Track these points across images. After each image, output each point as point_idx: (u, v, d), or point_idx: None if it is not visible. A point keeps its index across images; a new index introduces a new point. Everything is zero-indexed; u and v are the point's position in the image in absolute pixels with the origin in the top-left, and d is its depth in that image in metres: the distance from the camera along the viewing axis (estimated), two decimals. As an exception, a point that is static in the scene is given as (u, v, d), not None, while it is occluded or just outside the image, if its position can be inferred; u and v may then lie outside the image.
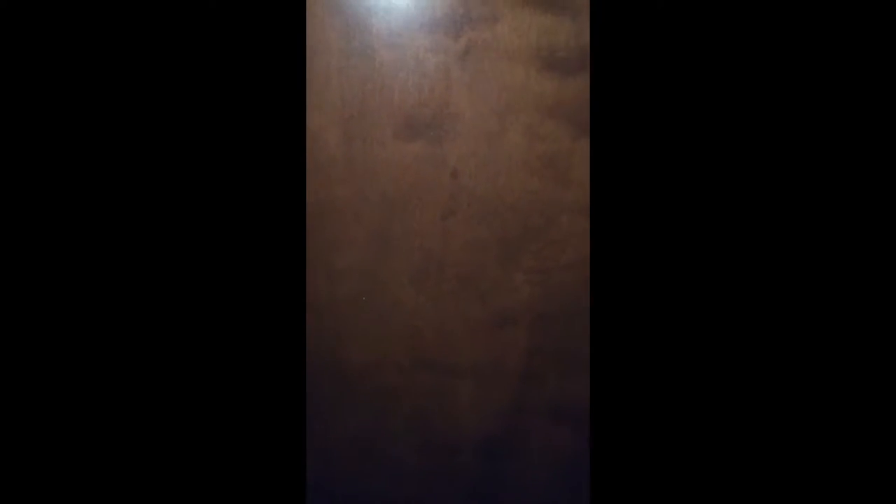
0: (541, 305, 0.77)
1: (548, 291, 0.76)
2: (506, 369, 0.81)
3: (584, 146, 0.70)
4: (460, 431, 0.84)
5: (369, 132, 0.71)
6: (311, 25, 0.66)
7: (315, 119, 0.70)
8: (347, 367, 0.81)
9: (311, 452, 0.84)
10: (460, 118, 0.69)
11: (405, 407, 0.83)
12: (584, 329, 0.77)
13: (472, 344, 0.80)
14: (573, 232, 0.73)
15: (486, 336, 0.79)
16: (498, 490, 0.86)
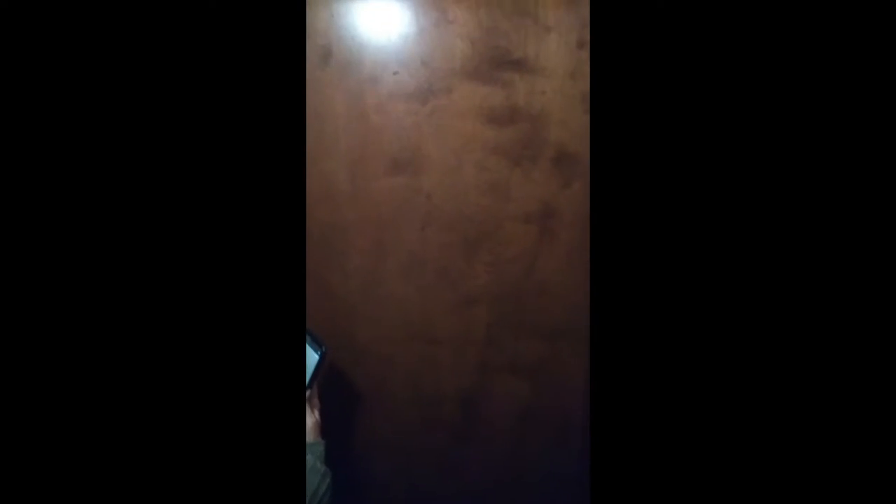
0: (495, 288, 1.05)
1: (499, 278, 1.04)
2: (473, 338, 1.08)
3: (518, 173, 0.99)
4: (442, 387, 1.11)
5: (367, 171, 0.99)
6: (323, 100, 0.96)
7: (329, 165, 0.99)
8: (356, 342, 1.09)
9: (328, 407, 1.11)
10: (430, 158, 0.99)
11: (400, 370, 1.11)
12: (530, 303, 1.05)
13: (448, 320, 1.07)
14: (514, 234, 1.02)
15: (458, 314, 1.07)
16: (471, 429, 1.14)
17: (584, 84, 0.93)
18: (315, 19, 0.92)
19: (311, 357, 0.80)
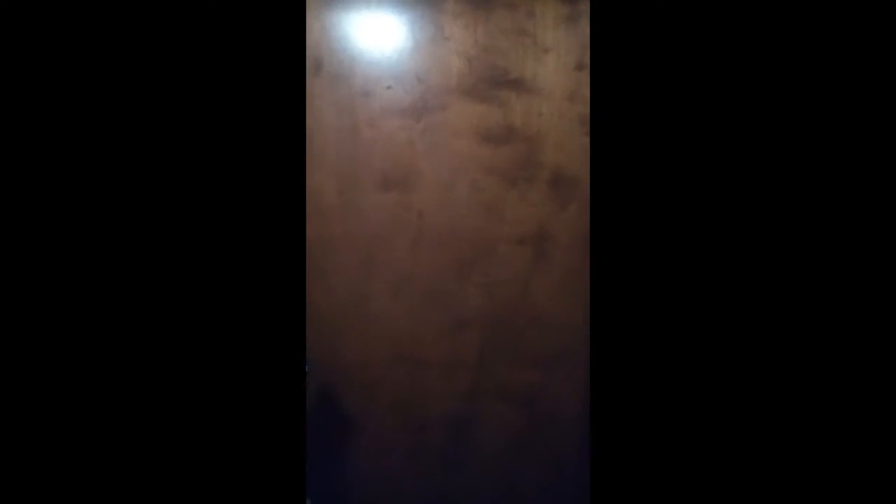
0: (488, 311, 1.02)
1: (492, 301, 1.01)
2: (464, 362, 1.05)
3: (513, 194, 0.96)
4: (430, 411, 1.08)
5: (357, 186, 0.96)
6: (312, 111, 0.92)
7: (317, 178, 0.95)
8: (342, 363, 1.05)
9: (312, 432, 1.07)
10: (423, 176, 0.96)
11: (387, 393, 1.07)
12: (524, 328, 1.02)
13: (438, 343, 1.04)
14: (509, 256, 0.99)
15: (448, 336, 1.04)
16: (461, 457, 1.10)
17: (583, 106, 0.92)
18: (307, 30, 0.88)
19: None
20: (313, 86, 0.91)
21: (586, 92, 0.91)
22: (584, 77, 0.90)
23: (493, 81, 0.91)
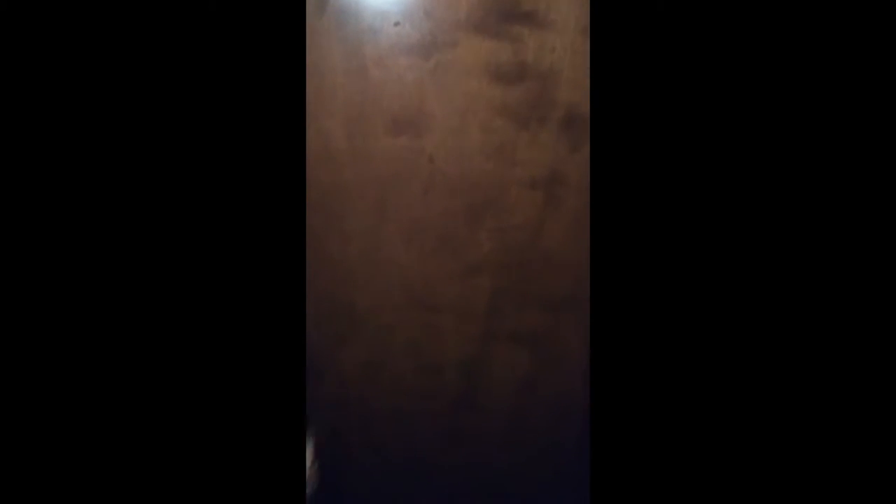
0: (499, 256, 1.02)
1: (503, 245, 1.01)
2: (476, 306, 1.06)
3: (524, 136, 0.94)
4: (444, 355, 1.10)
5: (366, 130, 0.95)
6: (318, 52, 0.90)
7: (326, 122, 0.94)
8: (357, 309, 1.07)
9: (330, 376, 1.11)
10: (433, 118, 0.94)
11: (401, 338, 1.09)
12: (534, 273, 1.02)
13: (450, 288, 1.05)
14: (520, 200, 0.98)
15: (460, 281, 1.04)
16: (473, 400, 1.13)
17: (599, 39, 0.87)
18: (310, -36, 0.85)
19: None
20: (319, 25, 0.89)
21: (603, 24, 0.87)
22: (601, 7, 0.86)
23: (504, 14, 0.87)
